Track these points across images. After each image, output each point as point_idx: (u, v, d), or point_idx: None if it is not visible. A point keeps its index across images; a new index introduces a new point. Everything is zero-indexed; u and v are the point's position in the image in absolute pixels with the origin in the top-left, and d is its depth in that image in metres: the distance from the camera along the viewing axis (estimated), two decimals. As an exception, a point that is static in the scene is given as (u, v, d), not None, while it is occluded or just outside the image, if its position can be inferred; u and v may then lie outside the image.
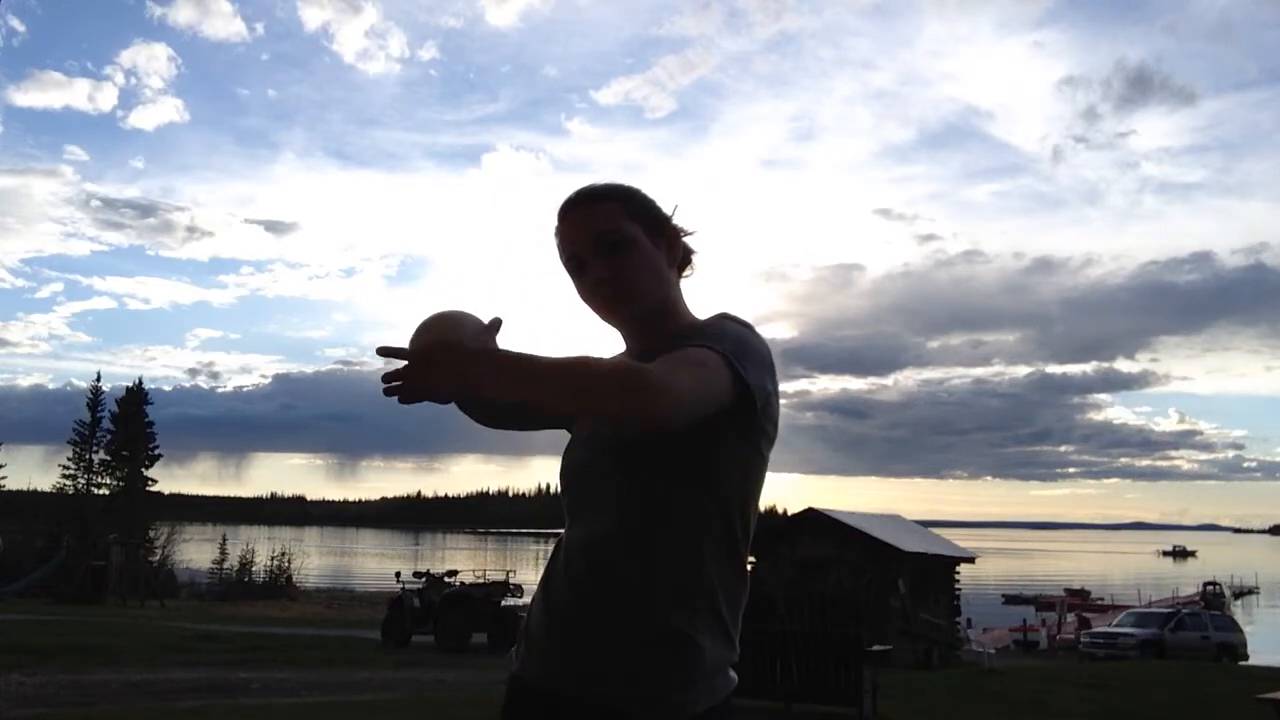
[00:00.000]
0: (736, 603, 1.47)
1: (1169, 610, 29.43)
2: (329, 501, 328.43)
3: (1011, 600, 49.58)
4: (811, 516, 23.92)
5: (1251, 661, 24.59)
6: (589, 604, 1.43)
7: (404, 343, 1.41)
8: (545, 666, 1.46)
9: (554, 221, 1.56)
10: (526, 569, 38.93)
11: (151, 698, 9.64)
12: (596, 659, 1.40)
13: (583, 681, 1.41)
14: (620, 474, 1.45)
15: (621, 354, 1.62)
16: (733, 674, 1.46)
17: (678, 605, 1.40)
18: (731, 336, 1.44)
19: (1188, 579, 62.90)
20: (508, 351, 1.33)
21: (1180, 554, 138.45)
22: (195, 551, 45.76)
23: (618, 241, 1.50)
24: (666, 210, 1.59)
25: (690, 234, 1.60)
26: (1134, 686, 13.15)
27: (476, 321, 1.51)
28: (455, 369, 1.30)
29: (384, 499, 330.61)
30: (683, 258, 1.59)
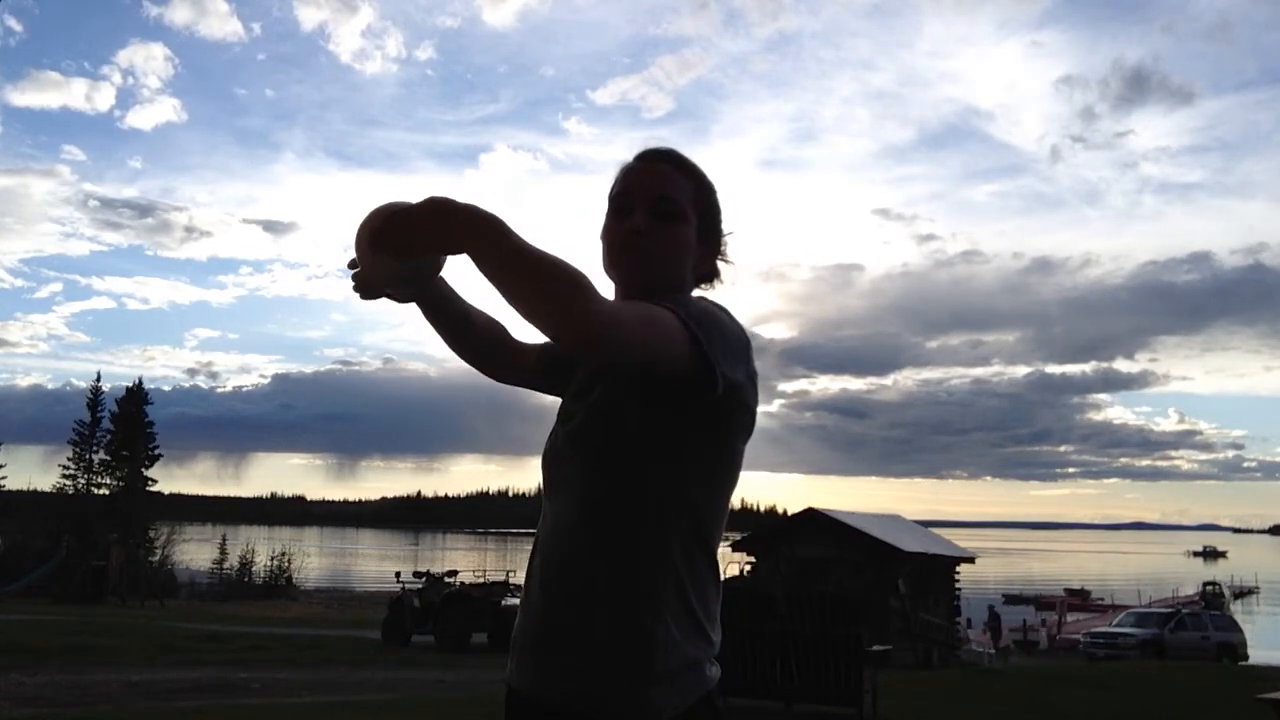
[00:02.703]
0: (708, 597, 1.43)
1: (1169, 610, 29.40)
2: (329, 501, 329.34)
3: (1012, 600, 49.51)
4: (811, 516, 23.94)
5: (1251, 661, 24.60)
6: (553, 601, 1.41)
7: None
8: (521, 668, 1.44)
9: (628, 158, 1.57)
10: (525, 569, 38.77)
11: (151, 698, 9.63)
12: (562, 658, 1.38)
13: (549, 681, 1.38)
14: (587, 465, 1.43)
15: None
16: (711, 672, 1.42)
17: (644, 601, 1.36)
18: (697, 307, 1.39)
19: (1191, 579, 62.76)
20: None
21: (1211, 554, 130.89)
22: (195, 551, 45.68)
23: (672, 212, 1.51)
24: (725, 227, 1.63)
25: (728, 261, 1.62)
26: (1134, 686, 13.15)
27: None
28: (402, 224, 1.33)
29: (384, 499, 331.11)
30: (709, 272, 1.61)
